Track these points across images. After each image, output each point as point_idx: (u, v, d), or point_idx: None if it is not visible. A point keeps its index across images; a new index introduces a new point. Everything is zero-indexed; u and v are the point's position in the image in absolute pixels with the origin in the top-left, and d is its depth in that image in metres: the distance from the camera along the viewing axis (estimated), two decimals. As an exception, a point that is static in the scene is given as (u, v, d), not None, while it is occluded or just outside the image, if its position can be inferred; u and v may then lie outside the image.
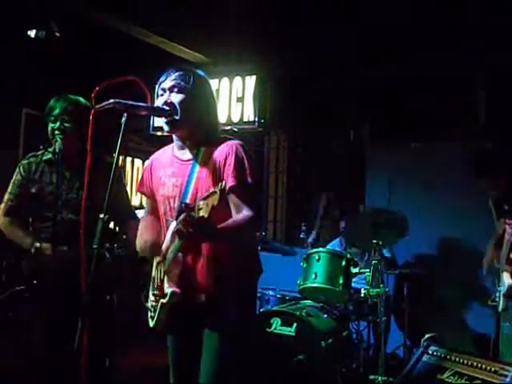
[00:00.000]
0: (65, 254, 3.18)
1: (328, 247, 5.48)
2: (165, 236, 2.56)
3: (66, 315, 2.87)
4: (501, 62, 5.51)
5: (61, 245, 3.20)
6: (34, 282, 3.22)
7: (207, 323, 2.52)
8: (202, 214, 2.16)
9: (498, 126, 5.68)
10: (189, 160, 2.58)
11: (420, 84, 5.99)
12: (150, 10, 5.63)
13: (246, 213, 2.45)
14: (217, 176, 2.47)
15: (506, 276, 4.05)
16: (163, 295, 2.45)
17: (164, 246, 2.54)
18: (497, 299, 4.16)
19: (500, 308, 4.09)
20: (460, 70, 5.83)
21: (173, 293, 2.42)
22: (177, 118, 2.51)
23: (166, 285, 2.45)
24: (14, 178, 3.37)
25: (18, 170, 3.37)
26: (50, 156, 3.34)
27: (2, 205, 3.38)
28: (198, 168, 2.53)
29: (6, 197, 3.37)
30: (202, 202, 2.16)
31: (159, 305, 2.46)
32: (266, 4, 6.36)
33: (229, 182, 2.43)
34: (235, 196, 2.46)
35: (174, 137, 2.64)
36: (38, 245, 3.21)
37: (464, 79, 5.89)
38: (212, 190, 2.15)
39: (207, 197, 2.15)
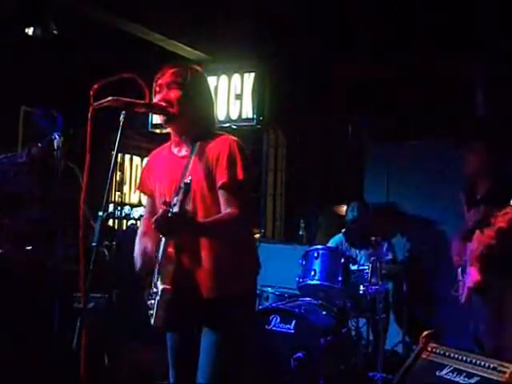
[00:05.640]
0: (27, 253, 3.23)
1: (330, 243, 5.49)
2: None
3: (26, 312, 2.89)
4: (500, 60, 5.51)
5: (25, 244, 3.25)
6: None
7: (206, 322, 2.50)
8: (175, 210, 2.25)
9: (497, 124, 5.67)
10: (185, 156, 2.58)
11: (420, 82, 5.99)
12: (149, 7, 5.63)
13: (232, 209, 2.43)
14: (209, 170, 2.47)
15: (473, 272, 3.96)
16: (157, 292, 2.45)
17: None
18: (460, 290, 4.08)
19: (463, 300, 4.03)
20: (459, 68, 5.83)
21: (163, 290, 2.39)
22: (174, 112, 2.52)
23: (158, 282, 2.44)
24: None
25: None
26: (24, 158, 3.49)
27: None
28: (192, 162, 2.53)
29: None
30: (175, 199, 2.25)
31: (156, 302, 2.46)
32: (265, 2, 6.35)
33: (220, 178, 2.44)
34: (225, 192, 2.45)
35: (171, 133, 2.65)
36: None
37: (463, 78, 5.89)
38: (180, 185, 2.23)
39: (178, 193, 2.24)
